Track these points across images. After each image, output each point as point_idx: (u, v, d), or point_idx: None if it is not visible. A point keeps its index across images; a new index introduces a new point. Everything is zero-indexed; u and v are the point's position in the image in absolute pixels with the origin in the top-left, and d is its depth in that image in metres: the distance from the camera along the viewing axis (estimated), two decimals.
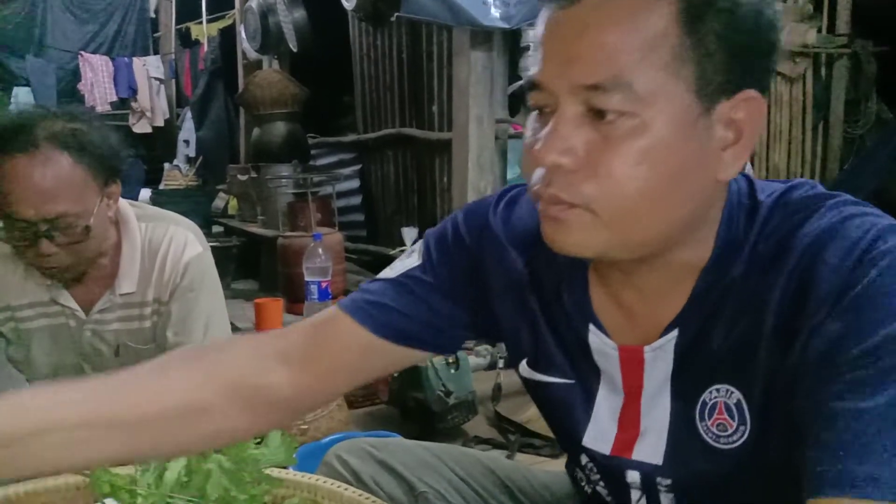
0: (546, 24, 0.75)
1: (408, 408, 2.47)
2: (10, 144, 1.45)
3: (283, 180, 4.57)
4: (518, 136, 3.79)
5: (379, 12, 4.40)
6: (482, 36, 3.38)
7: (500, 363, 2.83)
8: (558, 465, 1.35)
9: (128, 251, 1.65)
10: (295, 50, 5.56)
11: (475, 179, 3.53)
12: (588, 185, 0.72)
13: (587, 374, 0.89)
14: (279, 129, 5.19)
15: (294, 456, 1.06)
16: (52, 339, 1.67)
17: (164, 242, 1.67)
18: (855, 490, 0.60)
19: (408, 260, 0.98)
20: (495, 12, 3.17)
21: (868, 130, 3.79)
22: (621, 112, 0.70)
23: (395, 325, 0.93)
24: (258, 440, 1.02)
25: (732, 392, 0.79)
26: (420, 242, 1.00)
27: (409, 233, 4.19)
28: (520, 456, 2.26)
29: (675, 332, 0.81)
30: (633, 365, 0.85)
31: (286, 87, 5.18)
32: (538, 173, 0.76)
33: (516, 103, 3.87)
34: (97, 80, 8.20)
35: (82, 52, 8.29)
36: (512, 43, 3.63)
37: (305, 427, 2.19)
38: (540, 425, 2.26)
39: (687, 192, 0.74)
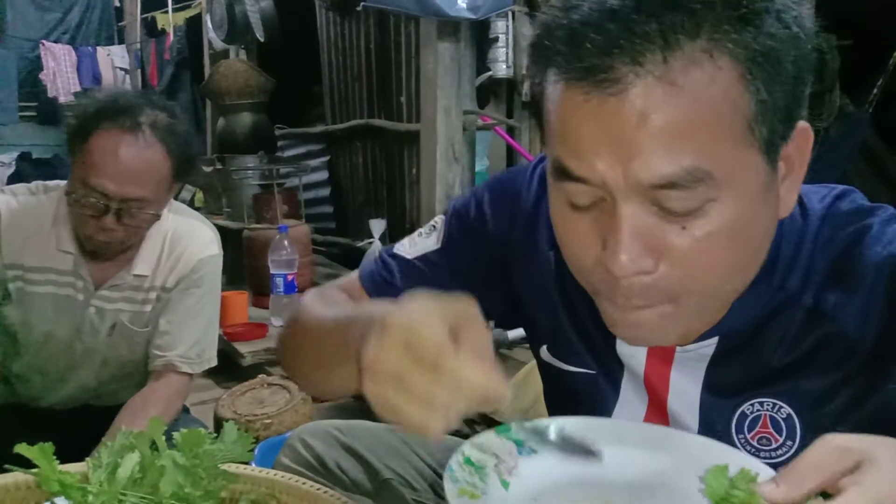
0: (578, 106, 0.62)
1: None
2: (116, 120, 1.48)
3: (249, 172, 4.51)
4: (486, 127, 3.78)
5: (345, 2, 4.37)
6: (450, 27, 3.36)
7: None
8: None
9: (152, 235, 1.66)
10: (262, 39, 5.50)
11: (444, 171, 3.51)
12: (674, 283, 0.65)
13: (611, 367, 0.85)
14: (245, 119, 5.12)
15: (253, 451, 1.04)
16: (54, 309, 1.66)
17: (187, 235, 1.70)
18: None
19: (428, 240, 0.93)
20: (462, 3, 3.15)
21: (832, 123, 3.83)
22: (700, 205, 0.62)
23: None
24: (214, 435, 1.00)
25: (781, 407, 0.75)
26: (441, 217, 0.95)
27: (377, 225, 4.16)
28: None
29: (713, 340, 0.77)
30: (660, 363, 0.81)
31: (251, 76, 5.12)
32: (606, 281, 0.68)
33: (485, 94, 3.86)
34: (60, 69, 8.04)
35: (44, 42, 8.13)
36: (479, 34, 3.61)
37: (269, 421, 2.17)
38: (506, 417, 2.26)
39: (764, 247, 0.71)
